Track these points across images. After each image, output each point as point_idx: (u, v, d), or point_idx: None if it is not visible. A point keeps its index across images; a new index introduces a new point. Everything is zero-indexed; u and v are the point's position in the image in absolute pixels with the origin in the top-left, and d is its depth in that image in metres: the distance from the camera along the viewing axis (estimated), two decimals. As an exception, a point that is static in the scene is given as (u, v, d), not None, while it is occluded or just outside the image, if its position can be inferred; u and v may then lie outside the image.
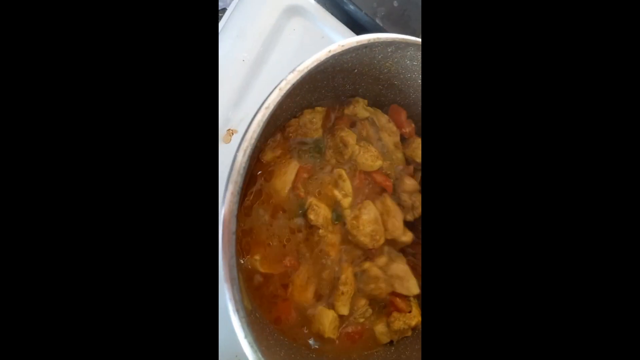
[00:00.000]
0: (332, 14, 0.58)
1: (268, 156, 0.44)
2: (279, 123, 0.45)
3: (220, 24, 0.59)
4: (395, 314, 0.47)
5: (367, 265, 0.45)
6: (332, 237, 0.44)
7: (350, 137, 0.47)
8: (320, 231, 0.43)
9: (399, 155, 0.50)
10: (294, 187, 0.44)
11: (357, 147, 0.46)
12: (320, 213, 0.43)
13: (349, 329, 0.46)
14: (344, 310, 0.44)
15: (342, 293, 0.44)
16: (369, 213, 0.45)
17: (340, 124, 0.47)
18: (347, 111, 0.47)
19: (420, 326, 0.48)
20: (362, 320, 0.47)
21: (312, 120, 0.45)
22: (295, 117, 0.46)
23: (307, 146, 0.46)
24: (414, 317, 0.47)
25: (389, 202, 0.47)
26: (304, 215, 0.44)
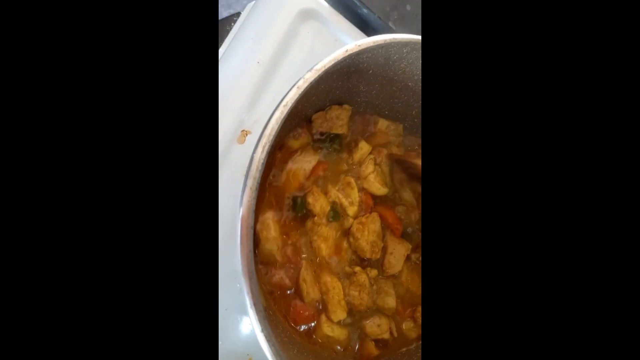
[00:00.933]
0: (345, 17, 0.59)
1: (294, 144, 0.46)
2: (294, 123, 0.45)
3: (235, 28, 0.60)
4: (420, 308, 0.48)
5: (358, 269, 0.45)
6: (326, 230, 0.44)
7: (364, 145, 0.48)
8: (315, 219, 0.43)
9: (407, 195, 0.51)
10: (307, 179, 0.45)
11: (371, 165, 0.47)
12: (318, 200, 0.44)
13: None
14: (340, 315, 0.44)
15: (331, 298, 0.44)
16: (375, 223, 0.46)
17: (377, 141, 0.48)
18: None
19: None
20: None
21: (340, 116, 0.47)
22: (322, 110, 0.47)
23: (329, 138, 0.48)
24: None
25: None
26: (304, 200, 0.45)
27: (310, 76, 0.33)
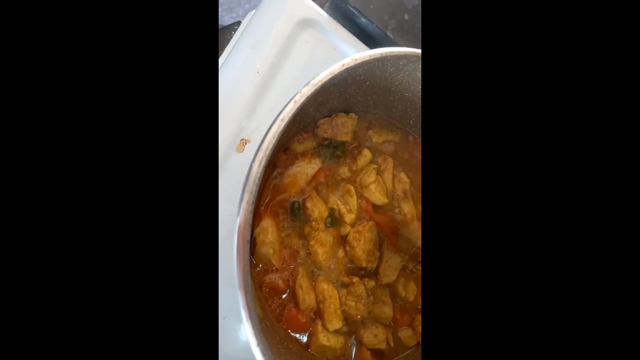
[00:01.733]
0: (344, 26, 0.59)
1: (298, 148, 0.47)
2: (300, 127, 0.46)
3: (235, 37, 0.60)
4: (418, 316, 0.48)
5: (356, 279, 0.45)
6: (323, 236, 0.44)
7: (367, 152, 0.49)
8: (313, 223, 0.44)
9: (408, 206, 0.51)
10: (308, 184, 0.45)
11: (373, 175, 0.48)
12: (316, 205, 0.44)
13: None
14: (336, 324, 0.44)
15: (327, 307, 0.44)
16: (372, 232, 0.46)
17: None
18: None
19: None
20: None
21: (345, 124, 0.47)
22: (329, 116, 0.48)
23: (333, 144, 0.48)
24: None
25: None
26: (302, 205, 0.45)
27: (307, 90, 0.33)
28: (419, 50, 0.39)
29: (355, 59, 0.36)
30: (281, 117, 0.32)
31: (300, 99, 0.32)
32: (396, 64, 0.41)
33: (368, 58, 0.37)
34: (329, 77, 0.34)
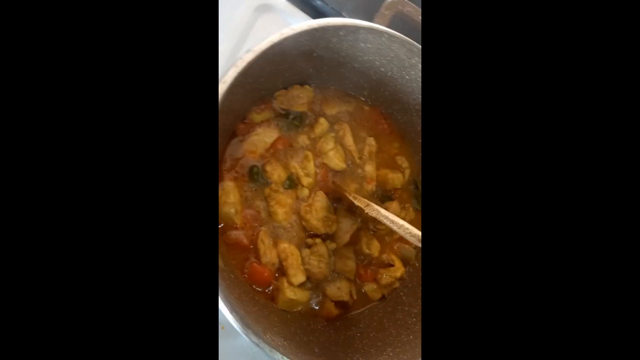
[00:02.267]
0: (301, 9, 0.63)
1: (256, 118, 0.50)
2: (257, 98, 0.50)
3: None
4: (381, 270, 0.52)
5: (318, 240, 0.49)
6: (282, 197, 0.48)
7: (323, 121, 0.53)
8: (273, 185, 0.48)
9: (370, 167, 0.55)
10: (267, 151, 0.49)
11: (332, 142, 0.52)
12: (276, 169, 0.48)
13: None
14: (300, 278, 0.47)
15: (290, 264, 0.47)
16: (322, 201, 0.50)
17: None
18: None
19: (404, 276, 0.54)
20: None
21: (300, 95, 0.51)
22: (285, 89, 0.52)
23: (291, 116, 0.52)
24: (398, 269, 0.53)
25: None
26: (262, 169, 0.49)
27: (248, 56, 0.37)
28: (356, 20, 0.43)
29: (294, 29, 0.39)
30: (223, 80, 0.35)
31: (241, 64, 0.36)
32: (337, 35, 0.45)
33: (306, 27, 0.40)
34: (269, 44, 0.38)
